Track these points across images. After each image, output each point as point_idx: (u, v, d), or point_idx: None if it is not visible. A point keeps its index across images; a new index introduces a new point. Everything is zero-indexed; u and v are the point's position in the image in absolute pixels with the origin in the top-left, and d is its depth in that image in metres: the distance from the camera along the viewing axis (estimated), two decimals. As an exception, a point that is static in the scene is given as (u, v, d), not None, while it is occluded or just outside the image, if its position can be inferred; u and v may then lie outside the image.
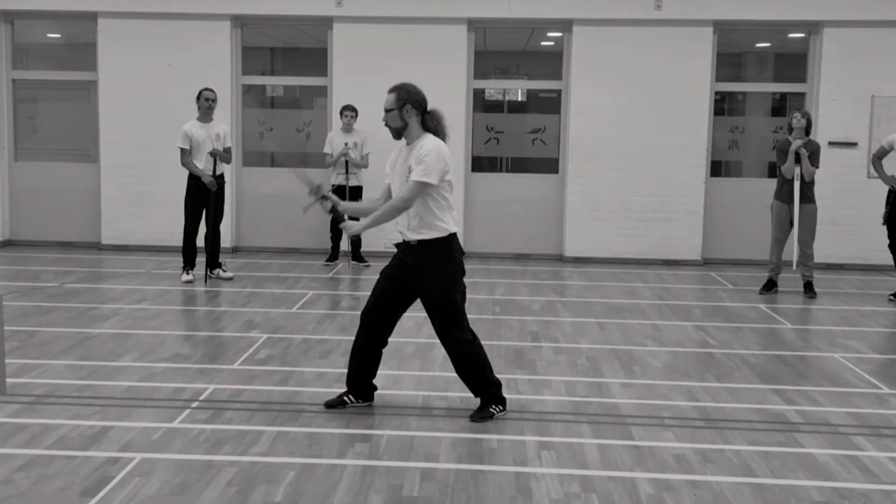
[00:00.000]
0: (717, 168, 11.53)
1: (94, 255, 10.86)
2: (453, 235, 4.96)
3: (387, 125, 4.98)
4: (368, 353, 5.10)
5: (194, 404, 5.11)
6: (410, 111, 4.93)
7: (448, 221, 4.92)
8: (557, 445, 4.58)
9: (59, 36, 12.54)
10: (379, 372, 5.85)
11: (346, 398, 5.15)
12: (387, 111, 4.94)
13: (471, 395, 5.40)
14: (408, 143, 4.98)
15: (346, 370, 5.88)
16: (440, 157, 4.82)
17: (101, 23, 11.07)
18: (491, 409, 5.02)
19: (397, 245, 5.08)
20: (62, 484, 3.95)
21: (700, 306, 8.51)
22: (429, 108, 5.01)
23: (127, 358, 6.07)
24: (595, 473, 4.22)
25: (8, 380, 5.37)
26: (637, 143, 10.83)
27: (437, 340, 6.69)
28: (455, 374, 5.82)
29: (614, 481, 4.13)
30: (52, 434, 4.56)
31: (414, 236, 4.91)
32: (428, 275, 4.93)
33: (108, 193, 11.16)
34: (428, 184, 4.77)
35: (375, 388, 5.23)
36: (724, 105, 11.82)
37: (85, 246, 11.37)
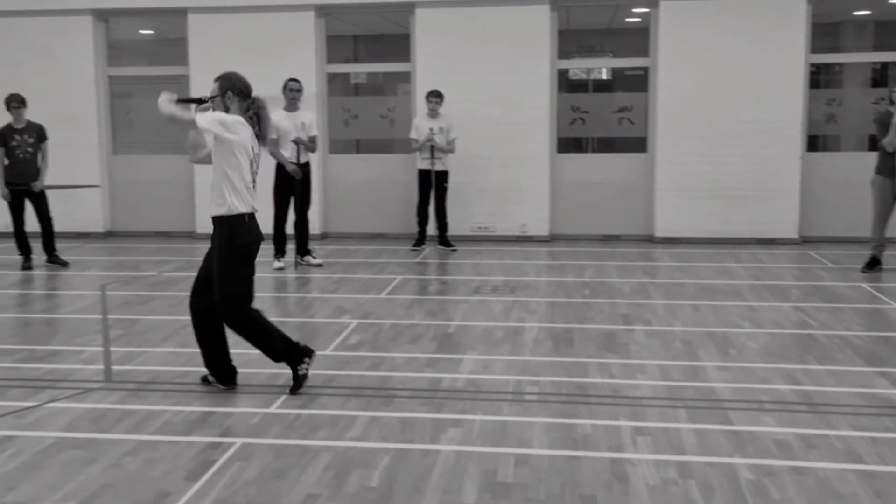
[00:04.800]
0: (814, 143, 11.13)
1: (189, 244, 11.17)
2: (237, 217, 4.93)
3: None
4: (209, 335, 5.13)
5: (290, 390, 5.20)
6: (233, 98, 5.07)
7: (233, 201, 4.92)
8: (653, 431, 4.51)
9: (151, 32, 12.89)
10: (468, 356, 5.88)
11: (209, 378, 5.26)
12: (211, 99, 5.09)
13: (564, 379, 5.39)
14: None
15: (436, 356, 5.93)
16: (224, 119, 4.93)
17: (191, 18, 11.33)
18: (299, 372, 5.09)
19: None
20: (167, 468, 4.07)
21: (798, 286, 8.24)
22: (253, 94, 5.11)
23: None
24: (693, 459, 4.13)
25: (113, 367, 5.57)
26: (728, 120, 10.53)
27: (527, 324, 6.73)
28: (548, 359, 5.82)
29: (713, 467, 4.03)
30: (156, 419, 4.71)
31: (209, 211, 5.02)
32: (214, 250, 5.02)
33: (202, 184, 11.43)
34: (198, 125, 4.89)
35: (235, 371, 5.27)
36: (819, 77, 11.40)
37: (181, 235, 11.70)
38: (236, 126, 4.94)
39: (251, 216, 5.01)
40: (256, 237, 5.07)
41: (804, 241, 10.68)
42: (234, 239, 4.95)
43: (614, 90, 12.72)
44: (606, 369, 5.59)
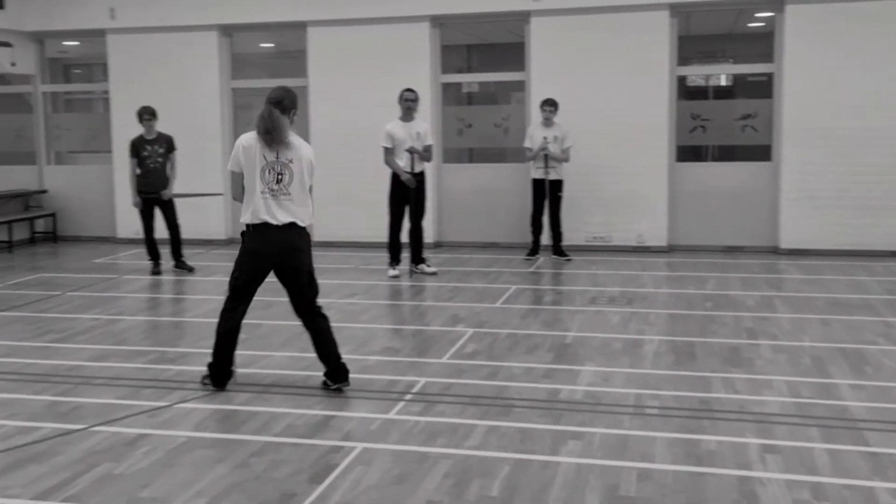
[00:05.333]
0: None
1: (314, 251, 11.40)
2: (247, 227, 5.30)
3: None
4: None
5: (408, 397, 5.25)
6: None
7: (244, 213, 5.29)
8: (783, 449, 4.33)
9: (271, 45, 13.29)
10: (586, 368, 5.80)
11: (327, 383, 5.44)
12: None
13: (686, 393, 5.27)
14: None
15: (554, 366, 5.88)
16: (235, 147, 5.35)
17: (311, 31, 11.62)
18: (203, 380, 5.46)
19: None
20: (292, 469, 4.16)
21: (936, 301, 7.79)
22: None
23: (342, 350, 6.27)
24: (827, 480, 3.94)
25: (239, 370, 5.74)
26: (859, 126, 10.06)
27: (646, 336, 6.59)
28: (669, 372, 5.69)
29: (850, 490, 3.84)
30: (280, 422, 4.82)
31: None
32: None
33: (317, 193, 11.66)
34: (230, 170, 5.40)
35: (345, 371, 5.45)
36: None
37: (299, 243, 11.95)
38: (235, 151, 5.34)
39: (254, 227, 5.28)
40: (256, 247, 5.33)
41: (942, 254, 10.10)
42: (242, 245, 5.41)
43: (736, 97, 12.35)
44: (731, 384, 5.41)
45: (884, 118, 10.00)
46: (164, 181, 9.71)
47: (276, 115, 5.19)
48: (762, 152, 10.77)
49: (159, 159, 9.67)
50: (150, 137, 9.66)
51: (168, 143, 9.76)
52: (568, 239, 10.44)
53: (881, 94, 9.99)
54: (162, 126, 9.88)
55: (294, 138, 5.32)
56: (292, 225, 5.27)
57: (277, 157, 5.24)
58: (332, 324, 7.11)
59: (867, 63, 10.01)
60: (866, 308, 7.49)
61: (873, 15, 9.97)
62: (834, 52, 10.09)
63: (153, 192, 9.66)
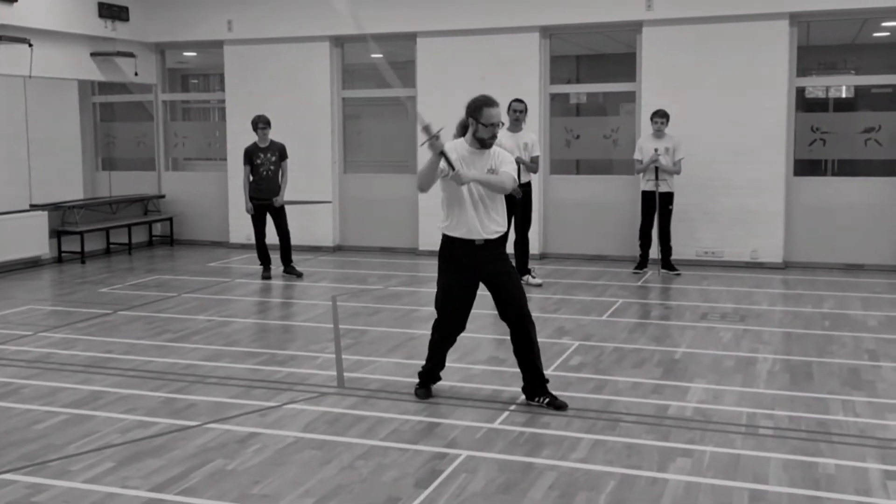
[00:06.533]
0: None
1: (412, 259, 11.53)
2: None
3: (494, 137, 5.17)
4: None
5: (512, 407, 5.22)
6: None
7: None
8: (908, 477, 4.11)
9: (381, 56, 13.47)
10: (696, 384, 5.66)
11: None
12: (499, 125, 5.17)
13: (803, 414, 5.08)
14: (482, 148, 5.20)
15: (662, 382, 5.76)
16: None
17: (420, 42, 11.75)
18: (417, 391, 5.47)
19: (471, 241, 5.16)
20: (398, 474, 4.19)
21: None
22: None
23: (449, 359, 6.32)
24: (958, 512, 3.72)
25: (345, 374, 5.83)
26: None
27: (760, 354, 6.37)
28: (784, 392, 5.49)
29: (983, 524, 3.62)
30: (386, 426, 4.86)
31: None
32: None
33: (425, 202, 11.78)
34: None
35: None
36: None
37: (404, 252, 12.10)
38: None
39: None
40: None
41: None
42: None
43: (858, 109, 11.85)
44: (851, 407, 5.18)
45: None
46: (276, 188, 9.96)
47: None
48: (886, 167, 10.29)
49: (272, 167, 9.93)
50: (263, 145, 9.94)
51: (280, 152, 10.02)
52: (678, 253, 10.20)
53: None
54: (274, 134, 10.15)
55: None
56: None
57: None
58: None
59: None
60: None
61: None
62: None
63: (265, 199, 9.93)
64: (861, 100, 11.85)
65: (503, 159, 5.20)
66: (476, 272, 5.20)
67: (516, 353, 5.27)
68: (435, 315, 5.45)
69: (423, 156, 11.68)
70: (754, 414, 5.07)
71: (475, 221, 5.13)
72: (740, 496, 3.92)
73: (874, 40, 11.45)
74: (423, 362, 5.52)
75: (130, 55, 12.34)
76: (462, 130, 5.28)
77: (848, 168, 11.12)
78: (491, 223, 5.17)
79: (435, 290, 5.43)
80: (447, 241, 5.26)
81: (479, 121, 5.08)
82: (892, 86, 10.29)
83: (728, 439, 4.66)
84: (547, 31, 11.31)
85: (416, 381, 5.53)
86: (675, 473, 4.19)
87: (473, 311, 8.05)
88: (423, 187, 5.16)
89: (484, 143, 5.14)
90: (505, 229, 5.28)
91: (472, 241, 5.14)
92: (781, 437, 4.69)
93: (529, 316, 5.23)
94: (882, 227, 10.19)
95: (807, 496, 3.92)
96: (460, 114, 11.94)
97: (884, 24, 10.63)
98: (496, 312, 8.19)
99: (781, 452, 4.45)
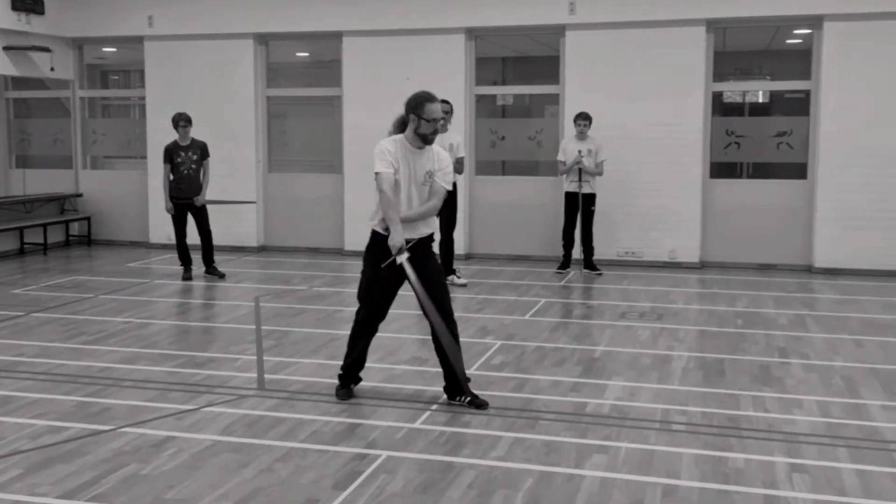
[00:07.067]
0: None
1: (338, 260, 11.47)
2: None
3: (436, 133, 5.15)
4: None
5: (434, 406, 5.24)
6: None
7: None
8: (811, 469, 4.27)
9: (306, 55, 13.40)
10: (614, 382, 5.77)
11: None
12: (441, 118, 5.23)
13: (715, 410, 5.21)
14: (422, 147, 5.17)
15: (581, 380, 5.85)
16: None
17: (346, 41, 11.70)
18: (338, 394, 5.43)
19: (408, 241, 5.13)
20: (316, 476, 4.17)
21: (974, 324, 7.65)
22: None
23: (370, 359, 6.27)
24: (855, 501, 3.89)
25: (266, 376, 5.78)
26: (896, 146, 9.94)
27: (675, 352, 6.53)
28: (698, 389, 5.63)
29: (880, 513, 3.78)
30: (306, 428, 4.84)
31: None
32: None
33: (351, 202, 11.75)
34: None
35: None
36: None
37: (330, 252, 12.03)
38: None
39: None
40: None
41: (980, 276, 9.92)
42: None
43: (772, 114, 12.24)
44: (760, 403, 5.35)
45: (923, 137, 9.86)
46: (198, 187, 9.81)
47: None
48: (798, 170, 10.65)
49: (193, 166, 9.77)
50: (184, 144, 9.77)
51: (202, 150, 9.86)
52: (599, 253, 10.38)
53: (922, 113, 9.85)
54: (196, 133, 10.00)
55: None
56: None
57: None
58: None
59: (906, 81, 9.89)
60: (901, 329, 7.38)
61: (913, 33, 9.85)
62: (872, 70, 9.97)
63: (186, 198, 9.76)
64: (775, 105, 12.26)
65: (442, 161, 5.20)
66: (402, 270, 5.20)
67: (438, 352, 5.29)
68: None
69: (350, 155, 11.67)
70: (668, 410, 5.19)
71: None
72: (653, 491, 4.02)
73: (787, 47, 11.85)
74: (342, 364, 5.50)
75: (46, 50, 11.99)
76: (401, 127, 5.24)
77: (762, 171, 11.48)
78: (422, 224, 5.19)
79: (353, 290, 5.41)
80: (377, 237, 5.24)
81: (421, 116, 5.06)
82: (804, 91, 10.65)
83: (643, 435, 4.77)
84: (472, 33, 11.38)
85: (337, 382, 5.51)
86: (591, 470, 4.27)
87: (397, 312, 8.05)
88: (381, 204, 5.14)
89: (426, 140, 5.12)
90: (434, 230, 5.30)
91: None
92: (694, 432, 4.82)
93: (452, 315, 5.26)
94: (793, 228, 10.55)
95: (716, 490, 4.04)
96: (386, 113, 11.92)
97: (796, 31, 11.00)
98: (419, 312, 8.24)
99: (693, 448, 4.57)
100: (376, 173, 5.07)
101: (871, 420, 5.01)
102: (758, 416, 5.09)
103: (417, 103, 5.08)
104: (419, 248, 5.18)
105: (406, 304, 8.42)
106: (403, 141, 5.15)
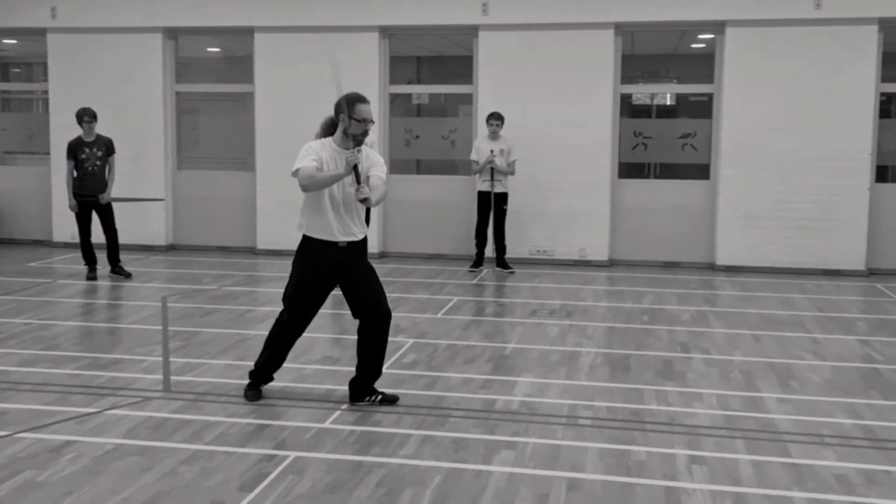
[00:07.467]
0: (883, 173, 10.85)
1: (249, 259, 11.33)
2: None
3: (366, 134, 5.05)
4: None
5: (344, 406, 5.23)
6: None
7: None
8: (709, 460, 4.42)
9: (218, 50, 13.18)
10: (523, 379, 5.86)
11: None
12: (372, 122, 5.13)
13: (619, 405, 5.34)
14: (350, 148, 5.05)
15: (491, 377, 5.92)
16: None
17: (258, 37, 11.55)
18: (247, 393, 5.39)
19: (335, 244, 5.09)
20: (222, 478, 4.12)
21: (864, 319, 8.02)
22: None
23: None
24: (750, 491, 4.04)
25: (172, 377, 5.67)
26: (795, 148, 10.34)
27: (584, 349, 6.67)
28: (604, 384, 5.76)
29: (771, 500, 3.94)
30: (212, 430, 4.77)
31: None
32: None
33: (263, 200, 11.62)
34: None
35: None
36: (890, 107, 11.13)
37: (241, 251, 11.87)
38: None
39: None
40: None
41: (871, 273, 10.41)
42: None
43: (678, 116, 12.60)
44: (663, 397, 5.51)
45: (821, 141, 10.29)
46: (103, 185, 9.55)
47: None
48: (701, 171, 10.99)
49: (98, 162, 9.52)
50: (88, 140, 9.51)
51: (107, 146, 9.61)
52: (512, 252, 10.51)
53: (818, 117, 10.28)
54: (102, 129, 9.74)
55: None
56: None
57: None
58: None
59: (804, 86, 10.30)
60: (796, 324, 7.69)
61: (811, 38, 10.27)
62: (772, 75, 10.36)
63: (91, 196, 9.50)
64: (682, 107, 12.61)
65: (374, 160, 5.14)
66: (336, 273, 5.14)
67: (364, 351, 5.23)
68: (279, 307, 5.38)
69: (263, 153, 11.52)
70: (575, 406, 5.30)
71: (335, 224, 5.05)
72: (559, 485, 4.10)
73: (693, 51, 12.20)
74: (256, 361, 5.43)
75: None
76: (330, 129, 5.14)
77: (668, 171, 11.81)
78: (352, 225, 5.10)
79: (278, 288, 5.34)
80: (307, 241, 5.14)
81: (351, 116, 4.97)
82: (707, 94, 10.99)
83: (550, 430, 4.86)
84: (386, 32, 11.38)
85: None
86: (499, 465, 4.33)
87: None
88: (310, 189, 4.99)
89: (356, 140, 5.07)
90: (366, 231, 5.23)
91: (335, 243, 5.07)
92: (599, 426, 4.94)
93: (390, 315, 5.25)
94: (697, 226, 10.89)
95: (620, 483, 4.14)
96: (299, 110, 11.91)
97: (700, 36, 11.34)
98: (334, 312, 8.21)
99: (598, 442, 4.68)
100: (295, 170, 4.94)
101: (767, 412, 5.21)
102: (660, 410, 5.24)
103: (349, 103, 5.00)
104: (352, 252, 5.14)
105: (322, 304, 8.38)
106: (331, 142, 5.09)
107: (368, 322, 5.21)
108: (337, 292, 5.30)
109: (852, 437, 4.78)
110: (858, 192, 10.30)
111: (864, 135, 10.26)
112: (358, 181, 4.91)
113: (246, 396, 5.33)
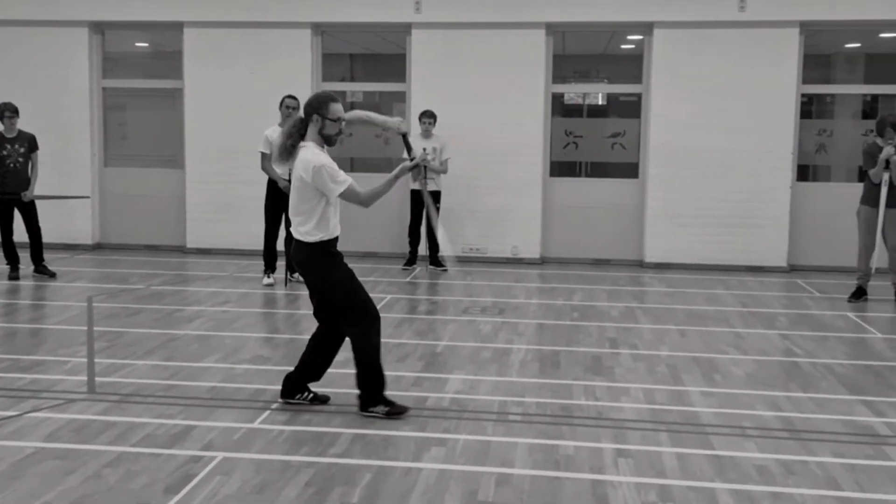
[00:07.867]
0: (804, 172, 11.20)
1: (179, 258, 11.14)
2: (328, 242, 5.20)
3: (341, 134, 5.03)
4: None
5: (274, 405, 5.19)
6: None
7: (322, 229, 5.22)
8: (635, 453, 4.51)
9: (146, 45, 12.93)
10: (454, 376, 5.89)
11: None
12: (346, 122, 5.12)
13: (549, 400, 5.40)
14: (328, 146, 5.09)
15: (423, 374, 5.93)
16: None
17: (187, 32, 11.36)
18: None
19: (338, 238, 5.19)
20: (147, 480, 4.05)
21: (785, 314, 8.27)
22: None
23: (210, 359, 6.21)
24: (674, 483, 4.13)
25: (97, 379, 5.55)
26: (720, 148, 10.60)
27: (515, 346, 6.74)
28: (534, 380, 5.82)
29: (694, 491, 4.04)
30: (138, 432, 4.69)
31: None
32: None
33: (193, 198, 11.45)
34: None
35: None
36: (811, 108, 11.49)
37: (170, 249, 11.67)
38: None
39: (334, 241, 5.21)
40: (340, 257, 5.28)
41: (793, 269, 10.73)
42: (330, 262, 5.18)
43: (608, 115, 12.80)
44: (591, 391, 5.59)
45: (744, 140, 10.56)
46: (25, 182, 9.30)
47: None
48: (630, 170, 11.19)
49: (20, 159, 9.25)
50: (10, 136, 9.24)
51: (30, 143, 9.36)
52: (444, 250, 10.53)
53: (742, 117, 10.55)
54: (25, 125, 9.48)
55: (299, 150, 4.97)
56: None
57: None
58: (202, 332, 7.02)
59: (729, 87, 10.56)
60: (720, 320, 7.89)
61: (736, 40, 10.53)
62: (697, 76, 10.60)
63: (12, 194, 9.23)
64: (612, 107, 12.81)
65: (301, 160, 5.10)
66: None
67: (319, 350, 5.16)
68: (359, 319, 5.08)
69: (192, 150, 11.34)
70: (506, 402, 5.35)
71: (336, 220, 5.13)
72: (488, 480, 4.14)
73: (622, 52, 12.40)
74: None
75: None
76: (300, 131, 4.97)
77: (599, 170, 11.98)
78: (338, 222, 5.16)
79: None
80: (325, 245, 5.01)
81: (325, 117, 4.87)
82: (636, 94, 11.19)
83: (480, 427, 4.89)
84: (319, 28, 11.30)
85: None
86: (429, 462, 4.35)
87: (238, 311, 7.93)
88: (372, 203, 5.13)
89: (330, 141, 4.98)
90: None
91: (338, 238, 5.14)
92: (529, 422, 4.99)
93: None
94: (626, 225, 11.08)
95: (548, 477, 4.20)
96: (228, 107, 11.80)
97: (629, 37, 11.54)
98: (265, 311, 8.13)
99: (528, 437, 4.73)
100: (344, 190, 4.98)
101: (691, 405, 5.33)
102: (588, 405, 5.32)
103: (321, 103, 4.88)
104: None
105: (249, 303, 8.31)
106: (320, 148, 4.98)
107: (333, 328, 5.13)
108: (301, 291, 5.25)
109: (772, 429, 4.92)
110: (781, 190, 10.61)
111: (787, 135, 10.57)
112: (409, 150, 5.32)
113: (391, 415, 5.02)
